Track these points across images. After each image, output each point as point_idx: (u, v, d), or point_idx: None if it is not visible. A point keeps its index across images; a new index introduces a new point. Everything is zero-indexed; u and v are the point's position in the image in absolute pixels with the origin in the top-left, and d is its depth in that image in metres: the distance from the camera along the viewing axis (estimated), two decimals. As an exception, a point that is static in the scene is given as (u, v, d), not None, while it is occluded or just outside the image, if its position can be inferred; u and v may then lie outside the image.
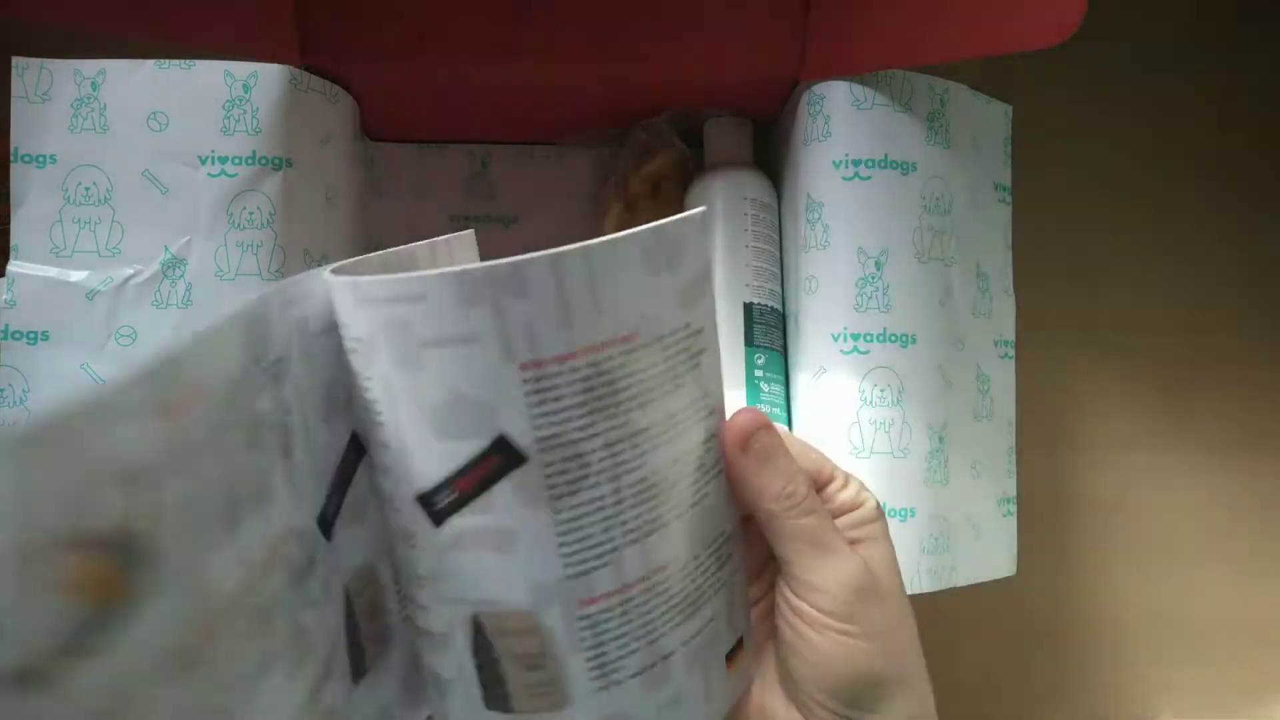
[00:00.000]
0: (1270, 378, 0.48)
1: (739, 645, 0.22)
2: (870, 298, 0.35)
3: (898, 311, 0.35)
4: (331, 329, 0.20)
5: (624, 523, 0.19)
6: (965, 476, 0.37)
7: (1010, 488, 0.40)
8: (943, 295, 0.36)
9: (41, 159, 0.33)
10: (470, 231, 0.25)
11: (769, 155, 0.43)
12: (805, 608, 0.21)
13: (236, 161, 0.34)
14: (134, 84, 0.33)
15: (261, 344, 0.17)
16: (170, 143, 0.34)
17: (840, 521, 0.22)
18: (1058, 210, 0.47)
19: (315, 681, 0.18)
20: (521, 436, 0.18)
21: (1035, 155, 0.43)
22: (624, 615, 0.19)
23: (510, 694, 0.20)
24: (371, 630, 0.21)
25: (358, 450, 0.21)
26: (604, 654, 0.19)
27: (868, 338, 0.35)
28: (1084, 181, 0.48)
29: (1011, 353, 0.40)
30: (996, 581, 0.38)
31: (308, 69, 0.36)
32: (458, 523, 0.19)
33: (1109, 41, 0.47)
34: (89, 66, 0.33)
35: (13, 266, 0.33)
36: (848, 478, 0.23)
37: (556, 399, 0.18)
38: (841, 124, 0.36)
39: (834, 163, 0.36)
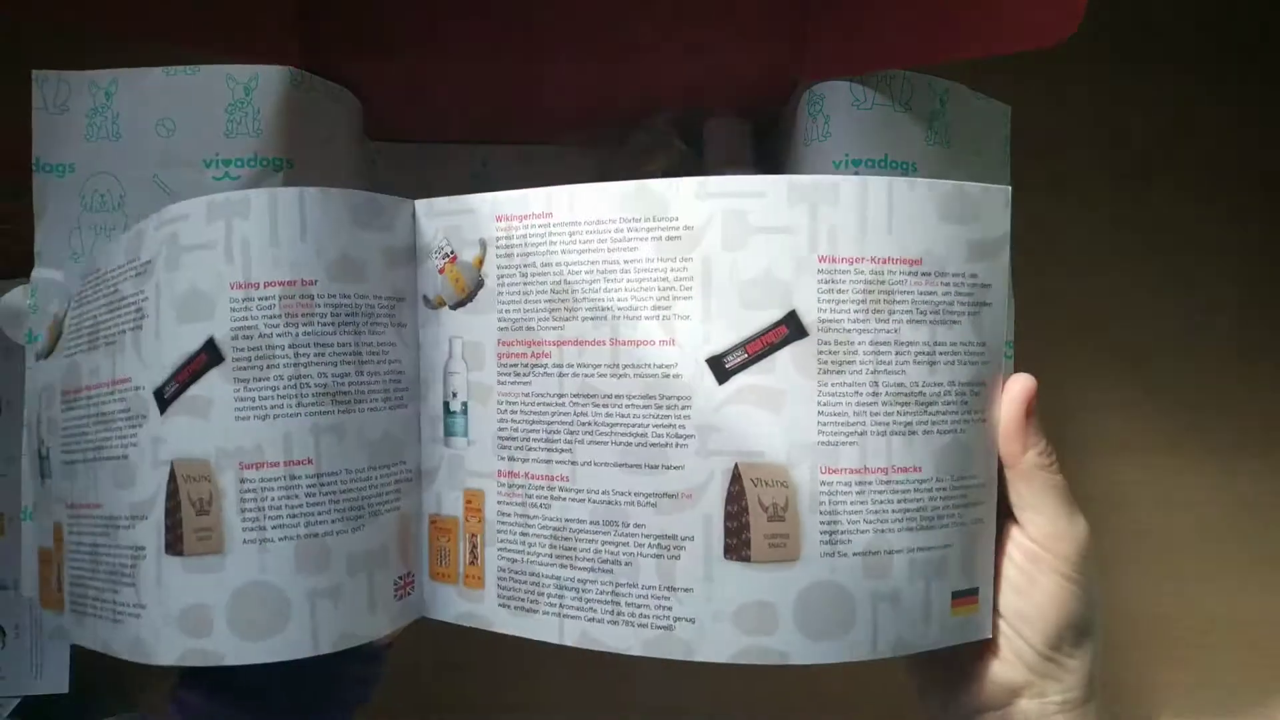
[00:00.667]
0: (1270, 377, 0.48)
1: (974, 594, 0.25)
2: (870, 298, 0.35)
3: (897, 312, 0.35)
4: (195, 247, 0.25)
5: (875, 414, 0.23)
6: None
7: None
8: (942, 296, 0.36)
9: (61, 168, 0.34)
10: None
11: (769, 155, 0.43)
12: (1044, 554, 0.24)
13: (239, 164, 0.34)
14: (143, 92, 0.34)
15: (136, 249, 0.27)
16: (177, 148, 0.34)
17: None
18: (1057, 210, 0.47)
19: (129, 518, 0.26)
20: (807, 315, 0.23)
21: (1035, 155, 0.42)
22: (860, 494, 0.23)
23: (751, 542, 0.23)
24: (197, 522, 0.25)
25: (213, 358, 0.25)
26: (836, 522, 0.23)
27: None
28: (1083, 181, 0.48)
29: (1011, 353, 0.40)
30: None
31: (308, 69, 0.36)
32: (741, 380, 0.23)
33: (1109, 41, 0.46)
34: (102, 77, 0.34)
35: (36, 273, 0.34)
36: (1048, 446, 0.27)
37: (840, 291, 0.23)
38: (841, 124, 0.36)
39: (834, 163, 0.36)
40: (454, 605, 0.28)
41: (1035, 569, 0.24)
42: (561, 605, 0.25)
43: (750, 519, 0.23)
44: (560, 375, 0.25)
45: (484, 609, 0.27)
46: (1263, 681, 0.48)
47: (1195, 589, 0.48)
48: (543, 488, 0.25)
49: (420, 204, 0.28)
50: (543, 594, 0.26)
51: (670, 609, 0.24)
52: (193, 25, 0.34)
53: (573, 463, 0.25)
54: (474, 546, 0.27)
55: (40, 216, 0.34)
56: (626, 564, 0.24)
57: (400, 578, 0.27)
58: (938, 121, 0.37)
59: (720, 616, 0.23)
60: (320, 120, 0.37)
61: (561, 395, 0.25)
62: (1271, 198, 0.48)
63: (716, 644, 0.24)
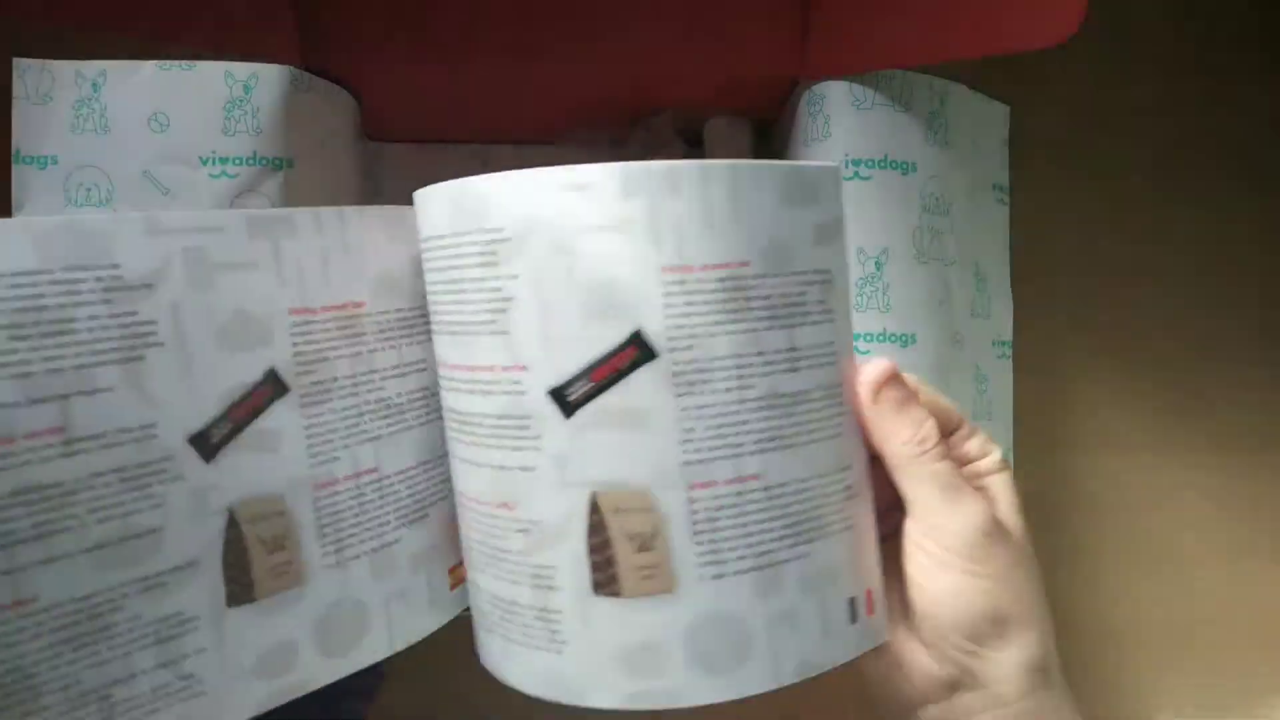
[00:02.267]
0: (1270, 377, 0.48)
1: (867, 598, 0.23)
2: (870, 298, 0.35)
3: (897, 311, 0.35)
4: (233, 265, 0.22)
5: (745, 425, 0.21)
6: (964, 476, 0.37)
7: (1010, 487, 0.40)
8: (942, 295, 0.36)
9: (43, 160, 0.33)
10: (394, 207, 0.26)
11: (769, 155, 0.43)
12: (933, 547, 0.23)
13: (237, 162, 0.34)
14: (135, 85, 0.33)
15: (91, 253, 0.20)
16: (171, 144, 0.34)
17: (966, 469, 0.24)
18: (1056, 210, 0.47)
19: (154, 579, 0.21)
20: (655, 331, 0.20)
21: (1035, 155, 0.43)
22: (737, 509, 0.21)
23: (619, 576, 0.21)
24: (271, 562, 0.23)
25: (276, 386, 0.23)
26: (715, 543, 0.21)
27: (867, 337, 0.35)
28: (1083, 181, 0.48)
29: (1009, 353, 0.41)
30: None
31: (308, 69, 0.36)
32: (591, 408, 0.21)
33: (1109, 41, 0.47)
34: (90, 68, 0.33)
35: None
36: (974, 428, 0.25)
37: (690, 303, 0.20)
38: (841, 124, 0.36)
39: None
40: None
41: (929, 563, 0.23)
42: (478, 624, 0.25)
43: (616, 552, 0.21)
44: (446, 390, 0.24)
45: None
46: (1263, 681, 0.48)
47: (1194, 589, 0.48)
48: (460, 502, 0.25)
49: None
50: (477, 611, 0.25)
51: (553, 640, 0.22)
52: (192, 25, 0.34)
53: (464, 479, 0.24)
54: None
55: (19, 209, 0.33)
56: (510, 590, 0.23)
57: (452, 568, 0.27)
58: (937, 121, 0.37)
59: (602, 659, 0.21)
60: (319, 120, 0.37)
61: (450, 410, 0.24)
62: (1270, 197, 0.48)
63: (603, 689, 0.22)
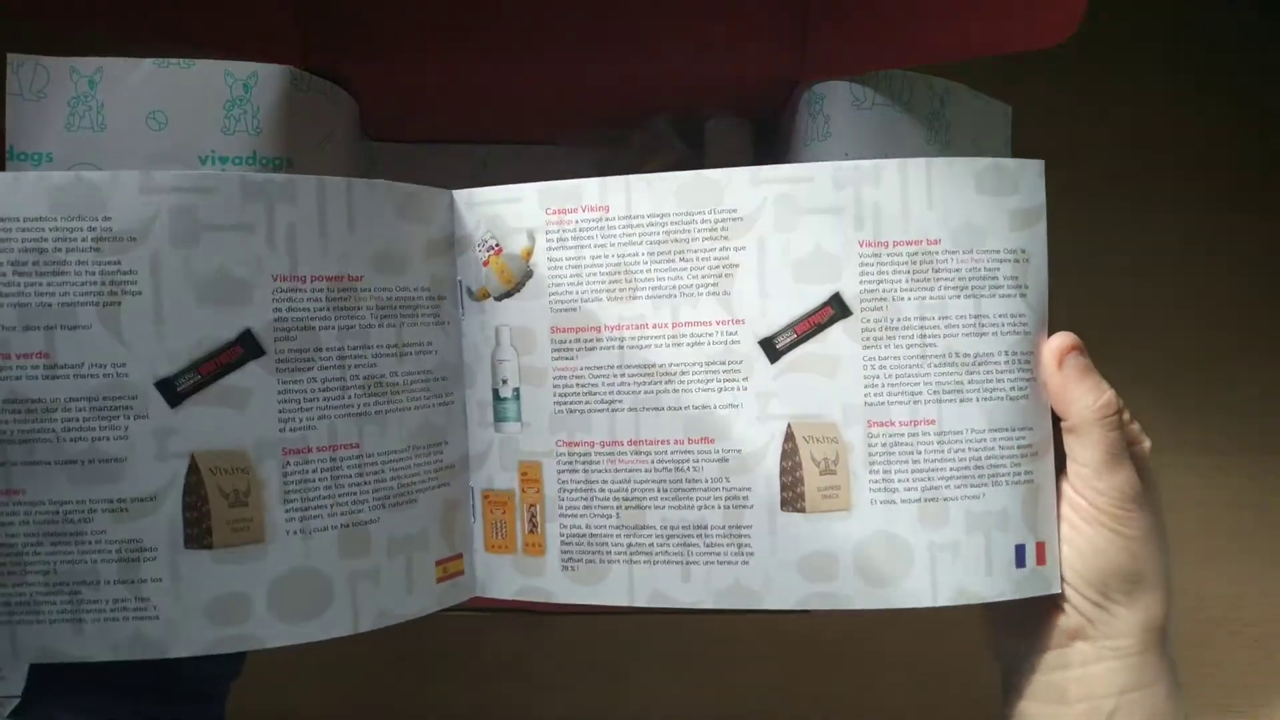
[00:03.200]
0: (1270, 377, 0.48)
1: (1039, 548, 0.26)
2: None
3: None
4: (221, 227, 0.23)
5: (925, 376, 0.25)
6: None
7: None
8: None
9: (37, 157, 0.33)
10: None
11: (769, 155, 0.43)
12: (1086, 505, 0.25)
13: (237, 162, 0.34)
14: (132, 83, 0.33)
15: (89, 204, 0.23)
16: (169, 142, 0.33)
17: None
18: (1057, 210, 0.47)
19: (118, 504, 0.24)
20: (850, 294, 0.25)
21: (1035, 155, 0.43)
22: (909, 447, 0.25)
23: (805, 495, 0.25)
24: (231, 515, 0.24)
25: (251, 347, 0.24)
26: (888, 473, 0.25)
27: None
28: (1084, 181, 0.48)
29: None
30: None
31: (308, 69, 0.36)
32: (792, 355, 0.25)
33: (1109, 42, 0.47)
34: (86, 64, 0.33)
35: None
36: (1131, 417, 0.27)
37: (882, 271, 0.25)
38: (841, 124, 0.36)
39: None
40: (512, 581, 0.28)
41: (1077, 518, 0.25)
42: (631, 565, 0.27)
43: (805, 474, 0.25)
44: (620, 348, 0.27)
45: (545, 579, 0.28)
46: (1263, 681, 0.48)
47: (1195, 589, 0.48)
48: (607, 453, 0.27)
49: (460, 194, 0.28)
50: (610, 555, 0.27)
51: (740, 552, 0.26)
52: (191, 24, 0.34)
53: (636, 427, 0.26)
54: (533, 516, 0.28)
55: None
56: (697, 516, 0.26)
57: (440, 560, 0.27)
58: (938, 121, 0.37)
59: (784, 564, 0.25)
60: (319, 120, 0.37)
61: (622, 367, 0.26)
62: (1272, 197, 0.49)
63: (782, 592, 0.25)
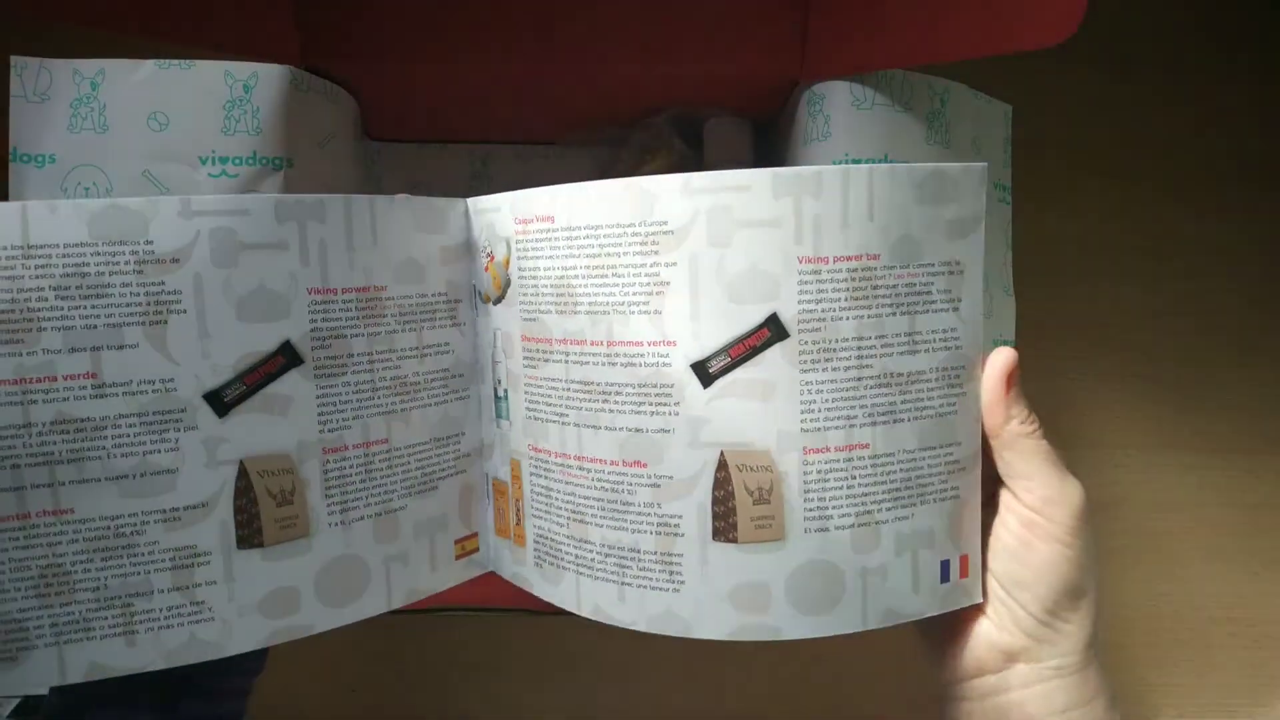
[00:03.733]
0: (1270, 377, 0.48)
1: (963, 561, 0.26)
2: (871, 297, 0.35)
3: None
4: (258, 246, 0.24)
5: (860, 399, 0.24)
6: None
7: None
8: (943, 295, 0.36)
9: (41, 159, 0.33)
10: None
11: (769, 155, 0.43)
12: (1039, 520, 0.24)
13: (237, 162, 0.34)
14: (134, 84, 0.33)
15: (130, 230, 0.24)
16: (170, 143, 0.34)
17: None
18: (1058, 210, 0.47)
19: (170, 513, 0.25)
20: (788, 315, 0.23)
21: (1035, 155, 0.43)
22: (845, 475, 0.24)
23: (737, 525, 0.24)
24: (279, 513, 0.26)
25: (291, 357, 0.25)
26: (824, 501, 0.24)
27: (868, 337, 0.35)
28: (1084, 181, 0.48)
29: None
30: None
31: (308, 69, 0.36)
32: (725, 380, 0.24)
33: (1109, 41, 0.47)
34: (88, 66, 0.33)
35: None
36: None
37: (822, 289, 0.23)
38: (841, 124, 0.36)
39: (834, 162, 0.36)
40: (508, 565, 0.29)
41: (1031, 535, 0.25)
42: (579, 575, 0.27)
43: (736, 504, 0.24)
44: (565, 363, 0.26)
45: (526, 569, 0.28)
46: (1263, 681, 0.48)
47: (1195, 589, 0.48)
48: (560, 463, 0.27)
49: (471, 202, 0.29)
50: (564, 561, 0.27)
51: (671, 579, 0.25)
52: (191, 24, 0.34)
53: (579, 443, 0.26)
54: (519, 509, 0.28)
55: None
56: (631, 539, 0.25)
57: (459, 539, 0.29)
58: (938, 121, 0.37)
59: (716, 594, 0.24)
60: (319, 120, 0.37)
61: (568, 381, 0.26)
62: (1272, 198, 0.49)
63: (713, 623, 0.25)
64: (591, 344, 0.25)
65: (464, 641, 0.48)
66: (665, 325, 0.24)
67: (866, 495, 0.24)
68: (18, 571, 0.24)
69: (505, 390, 0.28)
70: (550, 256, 0.26)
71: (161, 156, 0.34)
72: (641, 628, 0.25)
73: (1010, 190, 0.41)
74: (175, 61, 0.34)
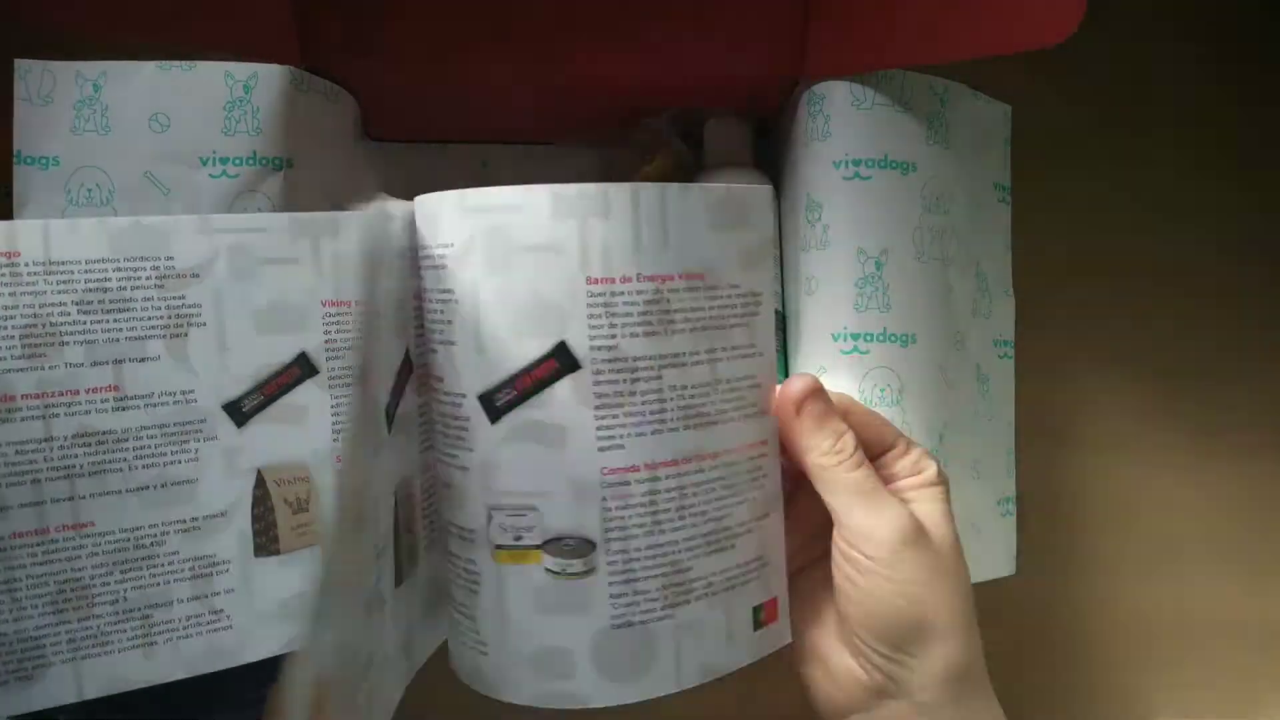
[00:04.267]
0: (1270, 377, 0.48)
1: (773, 605, 0.25)
2: (870, 298, 0.35)
3: (898, 311, 0.35)
4: (275, 261, 0.25)
5: (659, 428, 0.22)
6: (965, 476, 0.37)
7: (1010, 488, 0.40)
8: (943, 295, 0.36)
9: (44, 161, 0.33)
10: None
11: (769, 155, 0.43)
12: (855, 554, 0.23)
13: (237, 162, 0.34)
14: (135, 85, 0.33)
15: (151, 246, 0.24)
16: (172, 144, 0.34)
17: (893, 486, 0.25)
18: (1057, 210, 0.47)
19: (190, 523, 0.25)
20: (579, 344, 0.21)
21: (1035, 155, 0.42)
22: (652, 508, 0.22)
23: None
24: (295, 521, 0.26)
25: (306, 367, 0.26)
26: (628, 552, 0.22)
27: (867, 338, 0.35)
28: (1084, 181, 0.48)
29: (1011, 352, 0.41)
30: (995, 581, 0.38)
31: (308, 69, 0.36)
32: (512, 419, 0.22)
33: (1109, 41, 0.47)
34: (90, 68, 0.33)
35: None
36: (909, 445, 0.26)
37: (614, 315, 0.21)
38: (841, 124, 0.36)
39: (834, 163, 0.36)
40: None
41: (853, 570, 0.23)
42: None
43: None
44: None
45: None
46: (1263, 682, 0.48)
47: (1195, 589, 0.48)
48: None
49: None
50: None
51: (476, 639, 0.24)
52: (190, 24, 0.34)
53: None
54: None
55: (21, 209, 0.33)
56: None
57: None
58: (937, 121, 0.37)
59: (516, 657, 0.23)
60: (319, 120, 0.37)
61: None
62: (1273, 196, 0.48)
63: (514, 686, 0.23)
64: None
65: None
66: (456, 358, 0.23)
67: (673, 553, 0.23)
68: (35, 588, 0.24)
69: None
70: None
71: (163, 158, 0.34)
72: (464, 679, 0.25)
73: (1010, 190, 0.41)
74: (176, 63, 0.34)
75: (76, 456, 0.24)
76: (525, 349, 0.21)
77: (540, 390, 0.21)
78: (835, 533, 0.24)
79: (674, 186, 0.22)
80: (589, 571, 0.22)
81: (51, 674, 0.24)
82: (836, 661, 0.25)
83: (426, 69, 0.38)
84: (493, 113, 0.42)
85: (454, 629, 0.25)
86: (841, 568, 0.24)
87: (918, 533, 0.23)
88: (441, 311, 0.23)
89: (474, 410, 0.22)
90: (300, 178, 0.35)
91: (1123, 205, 0.48)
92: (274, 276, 0.25)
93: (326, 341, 0.26)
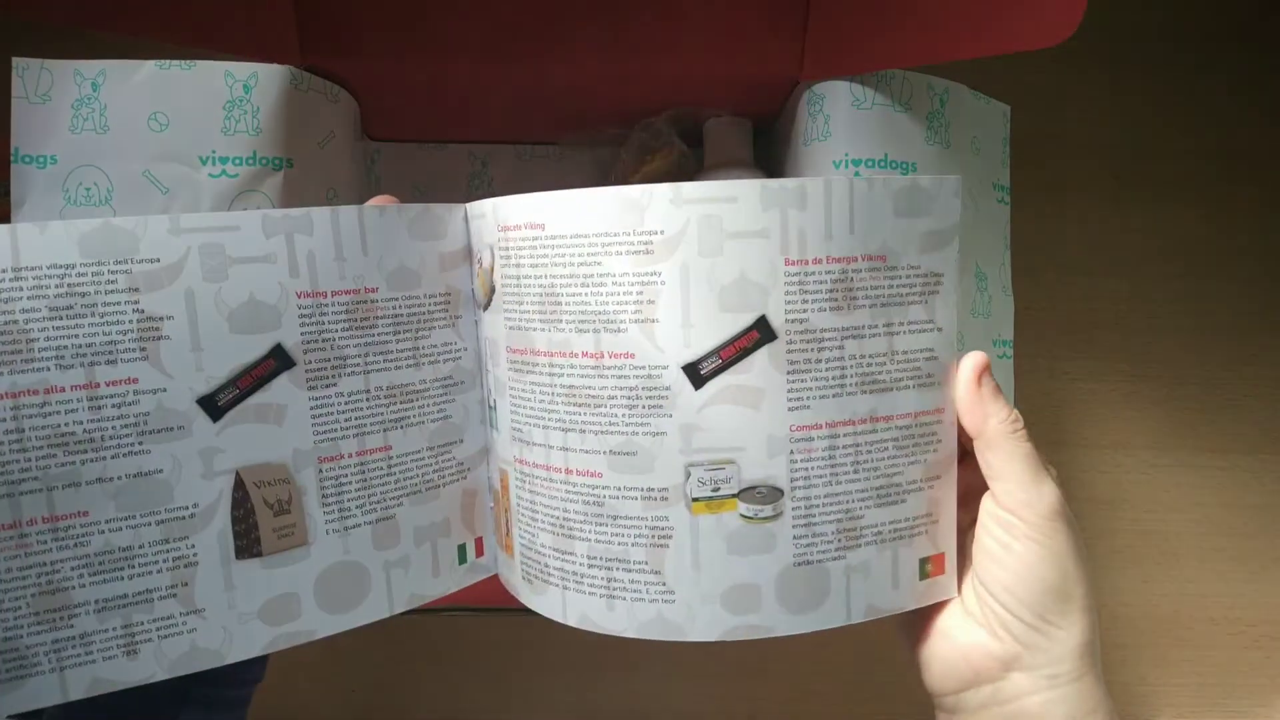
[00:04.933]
0: (1270, 377, 0.48)
1: (940, 559, 0.26)
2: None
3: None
4: (247, 259, 0.25)
5: (839, 392, 0.24)
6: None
7: (1010, 487, 0.39)
8: (943, 295, 0.36)
9: (42, 159, 0.33)
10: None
11: (769, 155, 0.43)
12: (1014, 520, 0.25)
13: (237, 162, 0.34)
14: (134, 85, 0.33)
15: (121, 249, 0.24)
16: (171, 143, 0.34)
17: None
18: (1057, 210, 0.47)
19: (168, 525, 0.25)
20: (776, 317, 0.24)
21: (1034, 155, 0.43)
22: (831, 462, 0.25)
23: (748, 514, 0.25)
24: (277, 523, 0.26)
25: (282, 359, 0.26)
26: (809, 500, 0.25)
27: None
28: (1083, 181, 0.48)
29: (1010, 352, 0.41)
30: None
31: (308, 69, 0.36)
32: (716, 384, 0.24)
33: (1109, 42, 0.47)
34: (89, 67, 0.33)
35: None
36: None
37: (806, 292, 0.24)
38: (841, 124, 0.36)
39: (834, 163, 0.36)
40: (504, 571, 0.30)
41: (1009, 536, 0.25)
42: (564, 589, 0.27)
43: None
44: (551, 374, 0.26)
45: (516, 579, 0.29)
46: (1263, 681, 0.48)
47: (1195, 589, 0.48)
48: (544, 476, 0.27)
49: (470, 206, 0.29)
50: (550, 573, 0.27)
51: (660, 590, 0.25)
52: (191, 24, 0.34)
53: (566, 454, 0.26)
54: (507, 521, 0.29)
55: (19, 208, 0.33)
56: (619, 550, 0.26)
57: (462, 545, 0.30)
58: (937, 121, 0.37)
59: (707, 598, 0.25)
60: (319, 120, 0.37)
61: (554, 392, 0.26)
62: (1271, 198, 0.49)
63: (705, 625, 0.25)
64: (582, 355, 0.25)
65: (464, 641, 0.48)
66: (657, 332, 0.24)
67: (847, 496, 0.25)
68: (14, 585, 0.24)
69: (494, 400, 0.28)
70: (534, 264, 0.26)
71: (162, 157, 0.34)
72: (632, 633, 0.26)
73: (1009, 190, 0.41)
74: (175, 62, 0.34)
75: (54, 455, 0.24)
76: (731, 322, 0.24)
77: (743, 358, 0.24)
78: (990, 500, 0.25)
79: (862, 179, 0.24)
80: (777, 516, 0.25)
81: (35, 675, 0.24)
82: (963, 634, 0.26)
83: (427, 69, 0.38)
84: (493, 113, 0.42)
85: (618, 590, 0.26)
86: (995, 534, 0.25)
87: (1069, 511, 0.25)
88: (641, 292, 0.24)
89: (676, 379, 0.24)
90: (300, 177, 0.35)
91: (1123, 205, 0.48)
92: (247, 275, 0.25)
93: (303, 334, 0.26)
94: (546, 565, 0.27)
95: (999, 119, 0.40)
